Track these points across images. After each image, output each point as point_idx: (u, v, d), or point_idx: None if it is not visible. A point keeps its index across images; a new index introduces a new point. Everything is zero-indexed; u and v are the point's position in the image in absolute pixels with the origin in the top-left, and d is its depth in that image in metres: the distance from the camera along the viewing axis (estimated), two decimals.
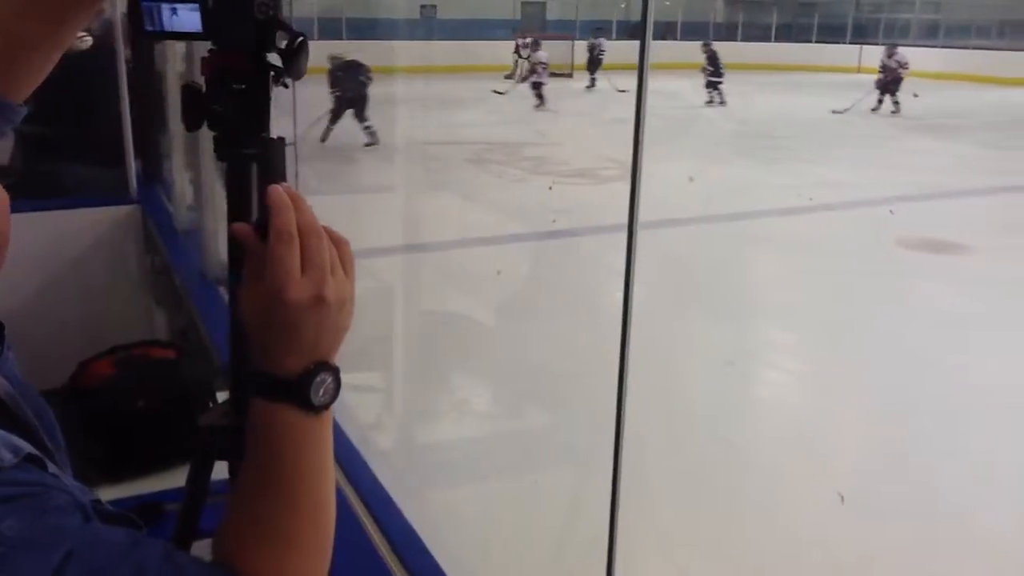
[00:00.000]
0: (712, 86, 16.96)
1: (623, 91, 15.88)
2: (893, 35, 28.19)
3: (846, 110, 15.74)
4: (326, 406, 0.65)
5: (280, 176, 0.73)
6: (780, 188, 9.24)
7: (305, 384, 0.63)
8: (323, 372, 0.64)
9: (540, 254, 7.02)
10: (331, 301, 0.63)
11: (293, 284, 0.61)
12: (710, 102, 16.99)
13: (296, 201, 0.63)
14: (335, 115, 11.28)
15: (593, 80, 20.82)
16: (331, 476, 0.68)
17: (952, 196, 9.24)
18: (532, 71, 16.71)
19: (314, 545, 0.67)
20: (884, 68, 15.99)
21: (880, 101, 16.05)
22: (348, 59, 11.50)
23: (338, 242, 0.65)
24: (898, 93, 15.85)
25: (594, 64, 20.99)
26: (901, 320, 5.35)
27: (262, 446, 0.65)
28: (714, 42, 18.58)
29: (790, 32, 30.58)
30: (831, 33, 29.36)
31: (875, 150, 12.42)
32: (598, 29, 24.03)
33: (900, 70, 15.82)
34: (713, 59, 17.18)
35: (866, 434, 3.86)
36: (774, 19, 29.38)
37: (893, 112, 15.74)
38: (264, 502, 0.65)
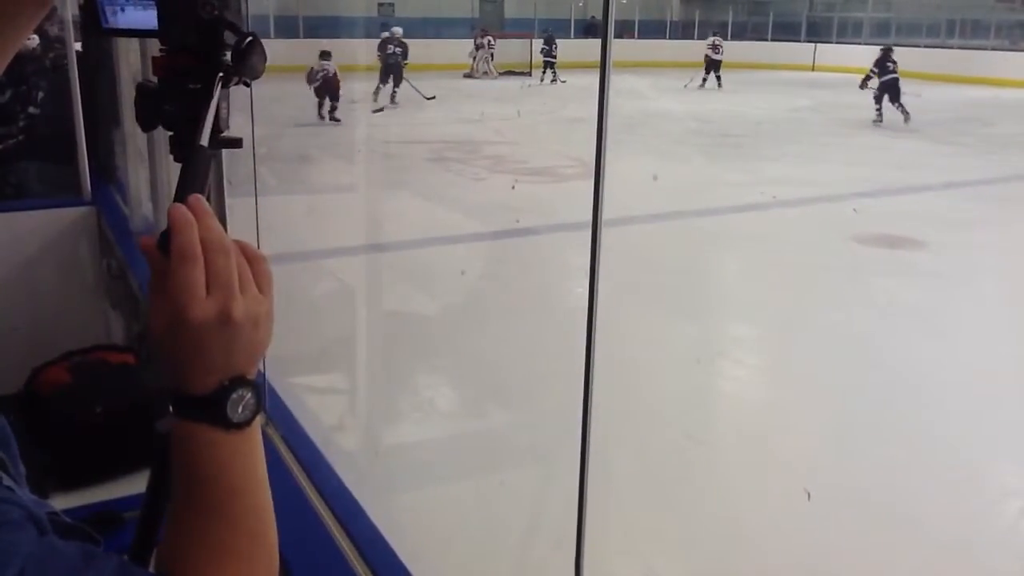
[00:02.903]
0: (549, 66, 21.66)
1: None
2: (846, 33, 28.71)
3: (688, 83, 20.45)
4: (248, 422, 0.64)
5: (199, 187, 0.70)
6: (740, 185, 9.34)
7: (220, 401, 0.62)
8: (240, 388, 0.63)
9: (503, 253, 7.01)
10: (239, 320, 0.61)
11: (196, 304, 0.59)
12: (547, 80, 21.32)
13: (202, 217, 0.61)
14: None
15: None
16: (265, 485, 0.67)
17: (904, 192, 9.43)
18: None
19: (255, 556, 0.66)
20: (707, 56, 21.02)
21: (705, 79, 20.95)
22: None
23: (253, 259, 0.63)
24: (719, 72, 20.74)
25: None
26: (863, 315, 5.43)
27: (187, 464, 0.63)
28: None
29: (745, 30, 30.94)
30: (786, 31, 29.79)
31: (829, 147, 12.62)
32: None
33: (714, 55, 20.83)
34: (550, 41, 21.85)
35: (830, 430, 3.91)
36: (730, 17, 29.69)
37: (699, 86, 20.58)
38: (198, 518, 0.63)
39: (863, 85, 14.84)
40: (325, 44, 14.13)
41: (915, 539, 3.12)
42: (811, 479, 3.33)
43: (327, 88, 13.50)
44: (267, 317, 0.64)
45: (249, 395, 0.63)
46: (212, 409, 0.62)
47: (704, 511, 3.26)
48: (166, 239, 0.61)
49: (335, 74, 13.52)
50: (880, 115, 14.34)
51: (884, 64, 14.37)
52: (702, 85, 20.77)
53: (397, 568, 1.25)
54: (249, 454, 0.65)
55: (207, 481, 0.63)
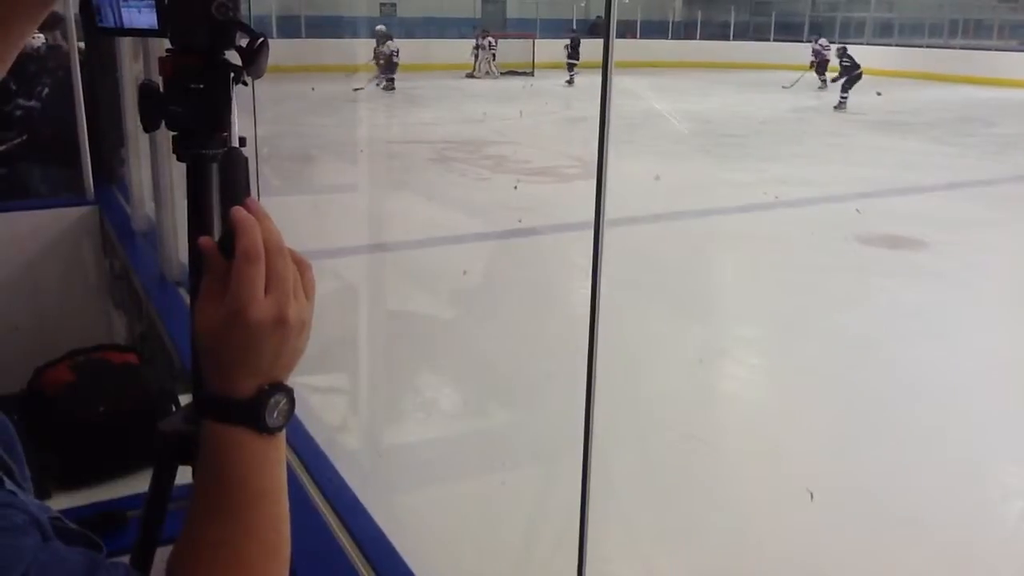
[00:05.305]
0: (570, 67, 21.59)
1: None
2: (849, 33, 28.66)
3: (793, 84, 20.43)
4: (280, 428, 0.64)
5: (243, 188, 0.71)
6: (742, 185, 9.33)
7: (259, 406, 0.62)
8: (278, 393, 0.63)
9: (505, 253, 7.01)
10: (292, 323, 0.62)
11: (256, 304, 0.60)
12: (569, 81, 21.09)
13: (262, 219, 0.62)
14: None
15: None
16: (285, 497, 0.67)
17: (907, 192, 9.41)
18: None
19: (269, 569, 0.66)
20: (815, 53, 21.12)
21: (824, 81, 20.70)
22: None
23: (301, 264, 0.65)
24: (826, 73, 20.41)
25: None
26: (865, 315, 5.43)
27: (215, 469, 0.63)
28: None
29: (748, 30, 30.91)
30: (788, 31, 29.74)
31: (832, 147, 12.60)
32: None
33: (825, 52, 20.80)
34: (575, 44, 21.80)
35: (833, 430, 3.90)
36: (732, 17, 29.66)
37: (820, 88, 20.24)
38: (217, 526, 0.63)
39: (835, 80, 17.59)
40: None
41: (917, 539, 3.11)
42: (813, 479, 3.32)
43: (390, 66, 17.92)
44: (309, 324, 0.65)
45: (284, 401, 0.64)
46: (250, 413, 0.62)
47: (706, 511, 3.26)
48: (228, 240, 0.62)
49: (396, 52, 18.04)
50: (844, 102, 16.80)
51: (843, 62, 17.13)
52: (823, 86, 20.22)
53: (399, 567, 1.25)
54: (276, 463, 0.66)
55: (232, 485, 0.63)
